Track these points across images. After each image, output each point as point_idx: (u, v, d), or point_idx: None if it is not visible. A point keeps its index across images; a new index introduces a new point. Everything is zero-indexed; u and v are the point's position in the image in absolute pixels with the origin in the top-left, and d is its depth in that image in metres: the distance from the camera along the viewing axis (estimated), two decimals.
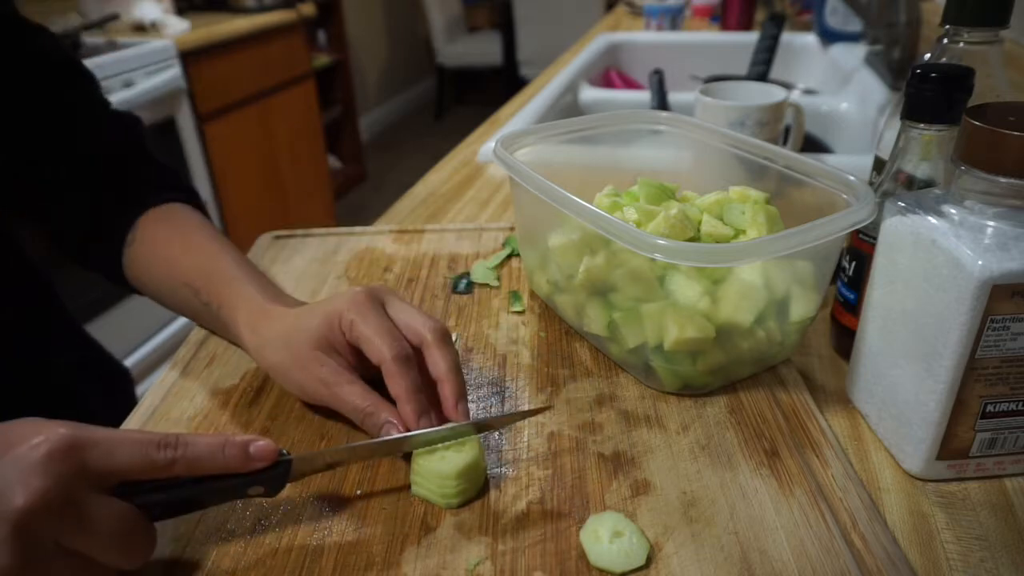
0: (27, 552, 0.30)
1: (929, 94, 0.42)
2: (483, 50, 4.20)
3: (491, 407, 0.47)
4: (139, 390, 0.75)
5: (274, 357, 0.46)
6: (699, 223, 0.50)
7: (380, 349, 0.41)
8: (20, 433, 0.31)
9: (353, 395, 0.42)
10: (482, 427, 0.42)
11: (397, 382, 0.41)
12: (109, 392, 0.69)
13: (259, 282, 0.51)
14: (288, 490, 0.40)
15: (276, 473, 0.37)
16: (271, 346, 0.46)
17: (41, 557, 0.30)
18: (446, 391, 0.42)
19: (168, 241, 0.56)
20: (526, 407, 0.46)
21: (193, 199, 0.62)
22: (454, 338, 0.54)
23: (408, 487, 0.40)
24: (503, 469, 0.41)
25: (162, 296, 0.57)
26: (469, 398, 0.47)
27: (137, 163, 0.61)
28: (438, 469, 0.38)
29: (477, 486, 0.40)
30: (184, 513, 0.37)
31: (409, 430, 0.40)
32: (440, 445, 0.40)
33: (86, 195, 0.58)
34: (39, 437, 0.31)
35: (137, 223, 0.58)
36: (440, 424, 0.41)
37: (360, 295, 0.44)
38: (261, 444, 0.36)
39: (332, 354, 0.44)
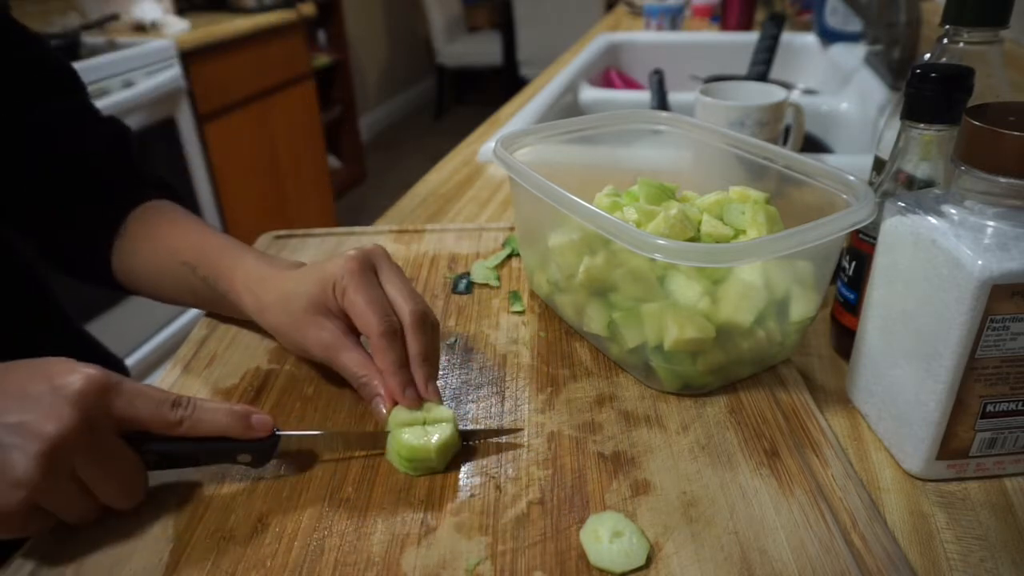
0: (48, 472, 0.34)
1: (929, 94, 0.42)
2: (483, 50, 4.20)
3: (491, 407, 0.47)
4: None
5: (274, 320, 0.48)
6: (699, 223, 0.50)
7: (368, 323, 0.43)
8: (58, 368, 0.36)
9: (351, 362, 0.45)
10: (465, 436, 0.43)
11: (382, 356, 0.43)
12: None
13: (254, 252, 0.52)
14: (289, 489, 0.40)
15: (266, 446, 0.41)
16: (271, 310, 0.48)
17: (57, 478, 0.35)
18: (417, 376, 0.44)
19: (160, 227, 0.57)
20: (526, 407, 0.46)
21: (178, 199, 0.63)
22: (452, 340, 0.54)
23: (408, 487, 0.40)
24: (503, 469, 0.41)
25: (157, 281, 0.57)
26: (469, 398, 0.48)
27: (122, 168, 0.61)
28: (420, 443, 0.41)
29: (445, 462, 0.42)
30: (178, 467, 0.40)
31: (395, 402, 0.43)
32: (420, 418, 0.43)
33: (70, 198, 0.58)
34: (75, 375, 0.36)
35: (125, 219, 0.58)
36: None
37: (353, 262, 0.45)
38: (261, 416, 0.40)
39: (330, 317, 0.46)
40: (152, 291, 0.59)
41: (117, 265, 0.59)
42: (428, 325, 0.45)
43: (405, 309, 0.44)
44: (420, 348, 0.44)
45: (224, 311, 0.55)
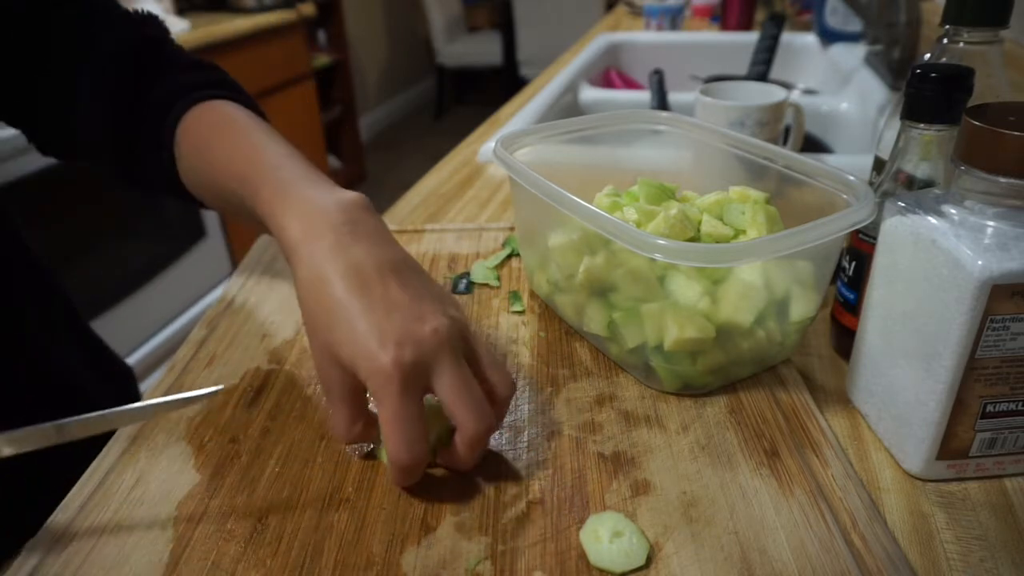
0: None
1: (929, 94, 0.42)
2: (483, 50, 4.21)
3: None
4: (140, 389, 0.75)
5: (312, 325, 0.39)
6: (699, 223, 0.50)
7: (465, 423, 0.37)
8: None
9: (339, 421, 0.39)
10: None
11: (467, 452, 0.38)
12: (113, 391, 0.69)
13: (300, 185, 0.42)
14: (289, 489, 0.40)
15: None
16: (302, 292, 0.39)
17: None
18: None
19: (206, 140, 0.50)
20: (526, 408, 0.46)
21: (236, 95, 0.55)
22: None
23: (408, 487, 0.40)
24: (503, 469, 0.41)
25: (219, 202, 0.52)
26: None
27: (160, 64, 0.55)
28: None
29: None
30: None
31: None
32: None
33: (112, 103, 0.53)
34: None
35: (177, 131, 0.52)
36: None
37: (385, 384, 0.35)
38: None
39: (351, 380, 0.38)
40: (218, 208, 0.55)
41: (185, 182, 0.54)
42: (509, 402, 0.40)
43: (502, 389, 0.39)
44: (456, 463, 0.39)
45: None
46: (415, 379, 0.36)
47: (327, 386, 0.38)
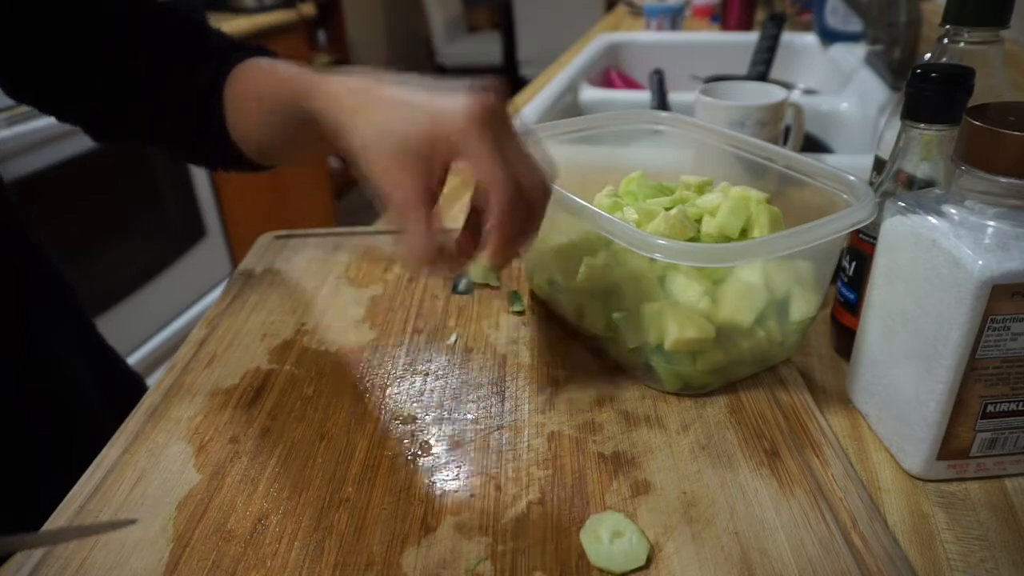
0: None
1: (929, 94, 0.42)
2: (483, 50, 4.21)
3: (491, 407, 0.47)
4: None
5: (362, 147, 0.41)
6: (700, 219, 0.50)
7: (491, 191, 0.38)
8: None
9: (416, 238, 0.39)
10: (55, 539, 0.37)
11: (496, 230, 0.39)
12: (117, 392, 0.69)
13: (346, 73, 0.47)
14: (289, 489, 0.40)
15: None
16: (360, 131, 0.41)
17: None
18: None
19: (253, 77, 0.55)
20: (526, 407, 0.46)
21: (270, 54, 0.60)
22: (452, 340, 0.54)
23: (408, 487, 0.40)
24: (503, 469, 0.41)
25: (259, 134, 0.56)
26: (469, 398, 0.47)
27: (200, 30, 0.59)
28: None
29: None
30: None
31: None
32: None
33: (172, 84, 0.57)
34: None
35: (225, 89, 0.56)
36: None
37: (477, 120, 0.37)
38: None
39: (420, 173, 0.39)
40: (265, 147, 0.58)
41: (232, 132, 0.57)
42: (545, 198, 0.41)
43: (535, 185, 0.39)
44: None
45: (320, 145, 0.51)
46: (492, 120, 0.38)
47: (399, 194, 0.39)
